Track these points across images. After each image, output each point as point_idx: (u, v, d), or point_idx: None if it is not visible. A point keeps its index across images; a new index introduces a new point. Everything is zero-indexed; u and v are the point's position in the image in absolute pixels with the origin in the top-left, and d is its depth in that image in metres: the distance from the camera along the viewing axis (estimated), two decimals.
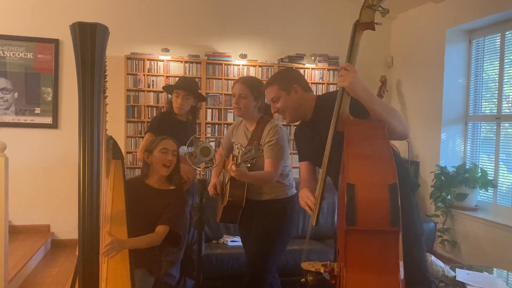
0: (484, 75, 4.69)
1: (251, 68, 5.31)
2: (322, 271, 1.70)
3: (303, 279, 1.83)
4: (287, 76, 2.21)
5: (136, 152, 3.52)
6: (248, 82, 2.61)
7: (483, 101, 4.71)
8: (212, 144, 2.60)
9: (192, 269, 2.59)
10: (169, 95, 3.17)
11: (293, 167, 5.29)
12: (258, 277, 2.56)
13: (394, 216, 1.33)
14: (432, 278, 2.17)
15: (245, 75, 5.25)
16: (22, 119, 4.84)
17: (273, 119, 2.66)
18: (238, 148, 2.67)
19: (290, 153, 2.82)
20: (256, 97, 2.60)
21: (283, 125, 5.24)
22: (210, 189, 2.73)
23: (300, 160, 2.32)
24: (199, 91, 3.37)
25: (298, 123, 2.35)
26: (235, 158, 2.22)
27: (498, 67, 4.46)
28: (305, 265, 1.84)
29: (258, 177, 2.45)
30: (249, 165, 2.14)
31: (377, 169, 1.44)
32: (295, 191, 2.69)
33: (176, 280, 2.41)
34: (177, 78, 5.00)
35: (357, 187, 1.35)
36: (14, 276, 3.50)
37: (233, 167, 2.19)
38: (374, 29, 1.81)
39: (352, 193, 1.34)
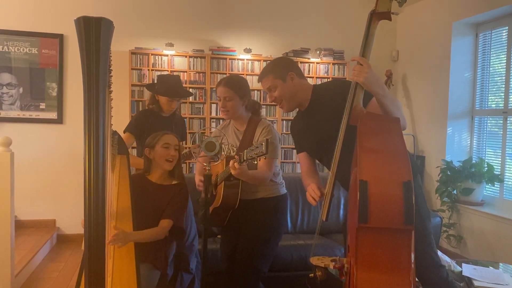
0: (490, 69, 4.65)
1: (256, 63, 5.28)
2: (331, 266, 1.68)
3: (312, 274, 1.82)
4: (281, 65, 2.19)
5: None
6: (231, 83, 2.54)
7: (489, 95, 4.67)
8: (218, 138, 2.57)
9: (187, 264, 2.58)
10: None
11: (288, 162, 5.28)
12: (250, 279, 2.52)
13: (407, 214, 1.30)
14: (444, 263, 2.14)
15: (249, 70, 5.25)
16: (27, 114, 4.85)
17: (264, 119, 2.62)
18: (229, 149, 2.62)
19: (286, 148, 2.79)
20: (242, 96, 2.54)
21: (283, 119, 5.25)
22: (198, 188, 2.63)
23: (297, 152, 2.32)
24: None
25: (293, 117, 2.34)
26: (236, 156, 2.19)
27: (505, 61, 4.42)
28: (314, 260, 1.82)
29: (255, 176, 2.42)
30: (255, 162, 2.11)
31: (391, 165, 1.40)
32: (286, 191, 2.68)
33: (169, 277, 2.40)
34: (181, 73, 5.02)
35: (370, 184, 1.32)
36: (21, 271, 3.52)
37: (236, 165, 2.14)
38: (390, 19, 1.76)
39: (365, 190, 1.31)
